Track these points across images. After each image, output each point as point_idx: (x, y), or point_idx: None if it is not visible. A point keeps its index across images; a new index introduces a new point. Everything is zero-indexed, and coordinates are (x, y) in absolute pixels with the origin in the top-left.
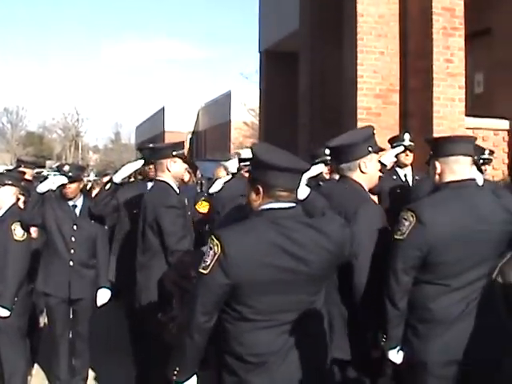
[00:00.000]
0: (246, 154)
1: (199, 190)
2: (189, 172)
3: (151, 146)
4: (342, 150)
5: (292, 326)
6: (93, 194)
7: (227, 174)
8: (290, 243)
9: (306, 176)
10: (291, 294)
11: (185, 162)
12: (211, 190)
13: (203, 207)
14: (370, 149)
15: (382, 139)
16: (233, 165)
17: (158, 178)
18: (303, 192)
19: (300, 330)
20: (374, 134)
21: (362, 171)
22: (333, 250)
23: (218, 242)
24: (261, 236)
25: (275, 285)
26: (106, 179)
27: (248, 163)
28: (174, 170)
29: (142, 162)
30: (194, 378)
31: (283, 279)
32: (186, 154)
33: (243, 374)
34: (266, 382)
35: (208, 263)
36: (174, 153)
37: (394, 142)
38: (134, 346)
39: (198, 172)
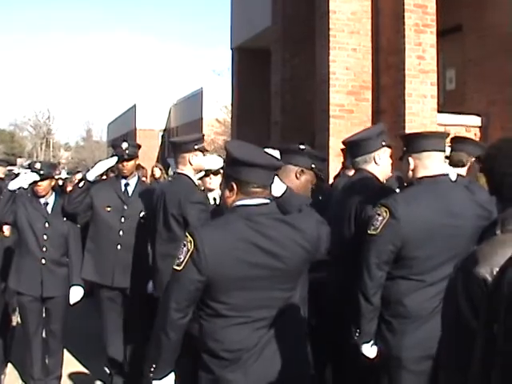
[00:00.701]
0: (270, 152)
1: None
2: (160, 169)
3: (171, 140)
4: (359, 144)
5: (267, 322)
6: (66, 192)
7: (200, 171)
8: (264, 239)
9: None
10: (266, 291)
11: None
12: None
13: None
14: (383, 143)
15: None
16: (209, 161)
17: (179, 171)
18: (279, 189)
19: (275, 326)
20: (385, 129)
21: (376, 163)
22: (307, 246)
23: (191, 239)
24: (234, 232)
25: (249, 281)
26: (78, 176)
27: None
28: (195, 164)
29: (115, 159)
30: (172, 375)
31: (257, 275)
32: (157, 151)
33: (218, 370)
34: (241, 378)
35: (181, 260)
36: (196, 146)
37: None
38: (109, 342)
39: (169, 169)
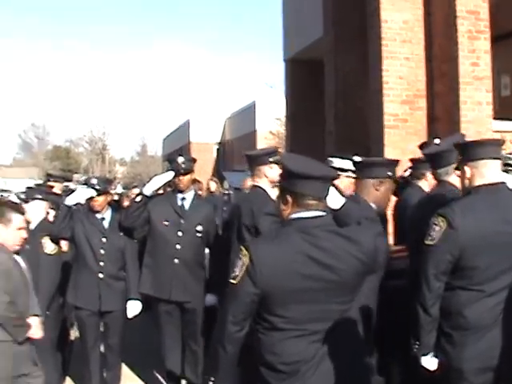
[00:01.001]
0: (339, 163)
1: (226, 200)
2: (216, 182)
3: (247, 153)
4: (441, 155)
5: (324, 335)
6: (122, 207)
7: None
8: (319, 252)
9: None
10: (322, 303)
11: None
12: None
13: None
14: None
15: (410, 145)
16: None
17: (255, 183)
18: (338, 201)
19: (332, 339)
20: (465, 139)
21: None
22: (363, 258)
23: (246, 252)
24: (289, 245)
25: (304, 294)
26: (135, 191)
27: (342, 172)
28: (270, 176)
29: (172, 173)
30: None
31: (312, 288)
32: (213, 164)
33: (276, 383)
34: None
35: (237, 273)
36: (271, 159)
37: (424, 148)
38: (166, 354)
39: (225, 182)
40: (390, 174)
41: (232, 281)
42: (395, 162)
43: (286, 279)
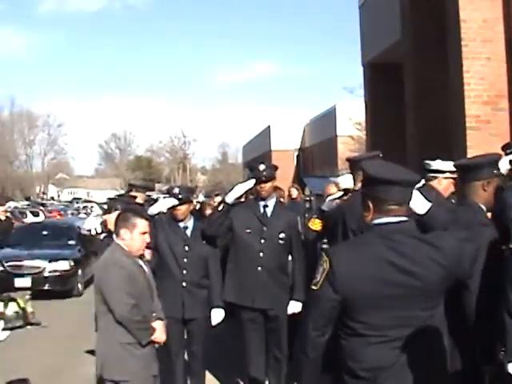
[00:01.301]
0: (438, 165)
1: (308, 207)
2: (297, 189)
3: (349, 158)
4: None
5: (405, 341)
6: (204, 215)
7: (338, 190)
8: (400, 257)
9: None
10: (403, 309)
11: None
12: (324, 207)
13: (315, 225)
14: None
15: (493, 147)
16: (346, 180)
17: (357, 188)
18: (423, 206)
19: (414, 346)
20: None
21: None
22: (446, 264)
23: (326, 258)
24: (370, 251)
25: (385, 299)
26: (217, 199)
27: (440, 174)
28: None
29: (253, 181)
30: None
31: (393, 294)
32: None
33: None
34: None
35: (318, 279)
36: None
37: (507, 148)
38: (250, 361)
39: (306, 188)
40: (496, 172)
41: (313, 286)
42: (499, 158)
43: (366, 285)
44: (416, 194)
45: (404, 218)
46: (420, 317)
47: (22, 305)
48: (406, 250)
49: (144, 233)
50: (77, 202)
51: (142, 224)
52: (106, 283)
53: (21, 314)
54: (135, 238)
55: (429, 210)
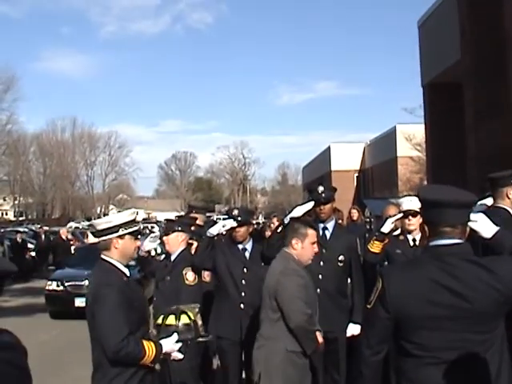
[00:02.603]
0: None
1: (368, 228)
2: (357, 210)
3: (490, 176)
4: None
5: (458, 364)
6: (264, 236)
7: (399, 212)
8: (452, 280)
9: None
10: (456, 332)
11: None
12: (383, 229)
13: (375, 247)
14: None
15: None
16: (407, 202)
17: (496, 205)
18: (490, 230)
19: (467, 370)
20: None
21: None
22: (501, 288)
23: (380, 278)
24: (422, 272)
25: (436, 321)
26: (275, 220)
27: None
28: None
29: (312, 203)
30: None
31: (443, 316)
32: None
33: None
34: None
35: (372, 298)
36: None
37: None
38: None
39: (366, 210)
40: None
41: (367, 305)
42: None
43: (416, 306)
44: (482, 217)
45: (458, 241)
46: (474, 340)
47: (193, 317)
48: (457, 272)
49: (314, 243)
50: (137, 223)
51: (312, 234)
52: (284, 292)
53: (192, 327)
54: (306, 247)
55: (495, 233)
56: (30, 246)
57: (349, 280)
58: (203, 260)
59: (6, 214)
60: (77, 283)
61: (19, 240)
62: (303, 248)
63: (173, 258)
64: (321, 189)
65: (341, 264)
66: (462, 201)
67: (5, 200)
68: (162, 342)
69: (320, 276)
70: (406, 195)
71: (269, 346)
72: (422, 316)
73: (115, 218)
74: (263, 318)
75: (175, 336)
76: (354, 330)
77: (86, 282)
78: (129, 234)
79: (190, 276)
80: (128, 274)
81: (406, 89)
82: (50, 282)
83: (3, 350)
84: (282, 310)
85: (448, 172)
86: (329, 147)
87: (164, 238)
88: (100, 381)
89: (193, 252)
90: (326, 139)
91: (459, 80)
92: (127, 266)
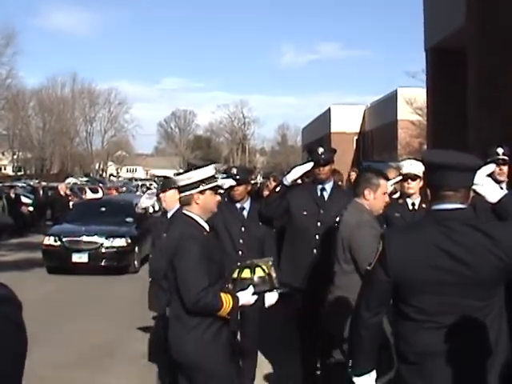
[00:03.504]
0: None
1: None
2: (356, 172)
3: None
4: None
5: (457, 329)
6: (262, 196)
7: (399, 175)
8: (452, 245)
9: (483, 175)
10: (455, 297)
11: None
12: None
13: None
14: None
15: None
16: (407, 165)
17: None
18: (496, 194)
19: (465, 335)
20: None
21: None
22: (501, 255)
23: (381, 241)
24: (423, 236)
25: (435, 285)
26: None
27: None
28: None
29: (311, 164)
30: (372, 374)
31: (443, 280)
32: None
33: (405, 373)
34: None
35: (372, 261)
36: None
37: None
38: (304, 345)
39: None
40: None
41: (368, 267)
42: None
43: (416, 269)
44: (488, 180)
45: (460, 206)
46: (473, 306)
47: (267, 270)
48: (459, 237)
49: (385, 193)
50: (135, 180)
51: (384, 184)
52: (359, 244)
53: (267, 279)
54: (378, 197)
55: (501, 198)
56: (25, 200)
57: None
58: None
59: (5, 169)
60: (74, 238)
61: (12, 195)
62: (375, 198)
63: (169, 215)
64: (321, 150)
65: (338, 225)
66: (465, 164)
67: (3, 155)
68: (239, 294)
69: (317, 237)
70: (405, 159)
71: (341, 296)
72: (421, 280)
73: (196, 173)
74: (337, 271)
75: (251, 289)
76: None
77: (84, 238)
78: (209, 189)
79: None
80: (208, 229)
81: (408, 52)
82: (47, 237)
83: None
84: (356, 261)
85: (448, 137)
86: (329, 109)
87: (161, 195)
88: (178, 331)
89: None
90: (327, 101)
91: (463, 45)
92: (127, 223)
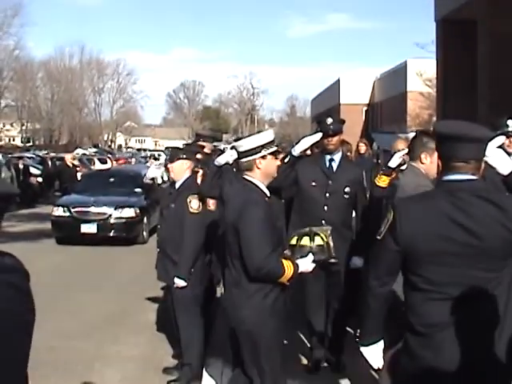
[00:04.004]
0: None
1: (375, 162)
2: (365, 144)
3: None
4: None
5: (465, 301)
6: None
7: (407, 147)
8: (463, 216)
9: (494, 147)
10: (463, 268)
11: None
12: (391, 164)
13: (382, 181)
14: None
15: None
16: None
17: None
18: (507, 166)
19: (474, 307)
20: None
21: None
22: (511, 227)
23: (392, 210)
24: (433, 206)
25: (445, 256)
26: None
27: None
28: None
29: (320, 135)
30: (380, 344)
31: (453, 251)
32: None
33: (413, 344)
34: (432, 356)
35: (382, 230)
36: None
37: None
38: (311, 315)
39: (374, 144)
40: None
41: (377, 237)
42: None
43: (426, 239)
44: (500, 152)
45: (471, 177)
46: (482, 277)
47: (325, 239)
48: (469, 208)
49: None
50: (144, 151)
51: None
52: None
53: (325, 248)
54: (434, 162)
55: None
56: (34, 171)
57: (354, 213)
58: (210, 188)
59: (14, 140)
60: (83, 209)
61: (21, 166)
62: (432, 162)
63: (177, 185)
64: (329, 120)
65: (346, 196)
66: (476, 135)
67: (12, 126)
68: (299, 261)
69: (325, 207)
70: (414, 130)
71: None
72: (431, 250)
73: (257, 139)
74: None
75: (311, 256)
76: (356, 262)
77: (93, 208)
78: (270, 153)
79: (194, 204)
80: (268, 195)
81: (418, 23)
82: (56, 208)
83: (5, 272)
84: None
85: (458, 109)
86: (338, 80)
87: (169, 166)
88: (236, 298)
89: (198, 180)
90: (336, 73)
91: (473, 16)
92: (135, 194)
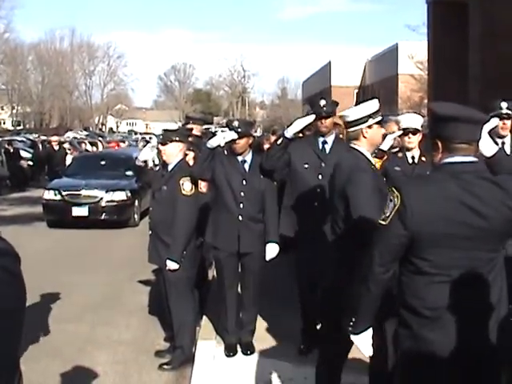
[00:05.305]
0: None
1: None
2: None
3: None
4: None
5: (469, 282)
6: (262, 150)
7: (398, 129)
8: (471, 197)
9: (484, 130)
10: (469, 250)
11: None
12: (383, 147)
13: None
14: None
15: None
16: (407, 119)
17: None
18: (490, 149)
19: (478, 288)
20: None
21: None
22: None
23: (398, 194)
24: (441, 189)
25: (453, 239)
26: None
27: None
28: None
29: (313, 116)
30: (370, 331)
31: (462, 234)
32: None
33: (417, 328)
34: (440, 338)
35: (388, 214)
36: None
37: None
38: (303, 298)
39: None
40: None
41: (382, 222)
42: None
43: (436, 223)
44: (485, 135)
45: (474, 159)
46: (483, 259)
47: None
48: (476, 190)
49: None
50: (135, 134)
51: None
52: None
53: None
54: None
55: (496, 153)
56: (24, 155)
57: None
58: (202, 170)
59: (4, 124)
60: (74, 192)
61: (11, 149)
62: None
63: (170, 167)
64: (322, 102)
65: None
66: (478, 117)
67: (2, 109)
68: None
69: (318, 190)
70: (405, 113)
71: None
72: (440, 233)
73: (363, 109)
74: None
75: None
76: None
77: (84, 191)
78: (376, 123)
79: (186, 186)
80: (373, 163)
81: (410, 6)
82: (47, 191)
83: None
84: None
85: (449, 91)
86: (329, 62)
87: (161, 148)
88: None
89: (190, 163)
90: (328, 54)
91: None
92: (127, 176)
